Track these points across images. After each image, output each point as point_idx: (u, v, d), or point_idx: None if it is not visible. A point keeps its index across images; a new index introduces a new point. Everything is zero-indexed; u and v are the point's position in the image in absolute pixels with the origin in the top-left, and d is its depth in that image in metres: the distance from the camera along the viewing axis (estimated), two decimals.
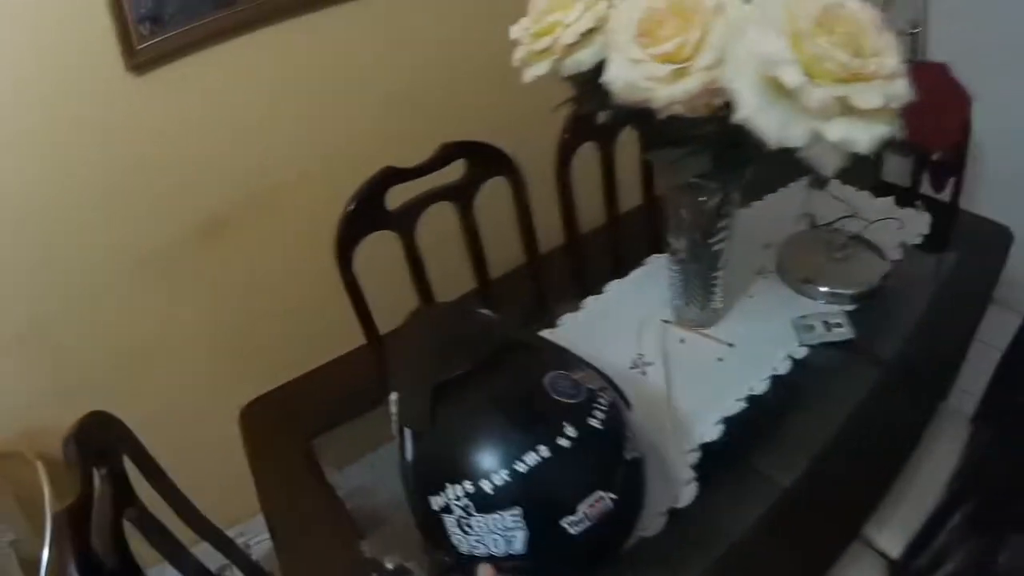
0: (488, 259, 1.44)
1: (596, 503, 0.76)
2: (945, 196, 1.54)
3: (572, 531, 0.75)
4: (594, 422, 0.79)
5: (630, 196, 1.64)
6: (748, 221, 1.48)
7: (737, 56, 0.68)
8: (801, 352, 1.16)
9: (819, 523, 0.94)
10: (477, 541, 0.76)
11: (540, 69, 0.86)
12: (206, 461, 1.54)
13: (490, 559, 0.76)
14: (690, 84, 0.71)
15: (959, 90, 1.53)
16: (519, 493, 0.74)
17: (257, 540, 1.81)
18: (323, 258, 1.29)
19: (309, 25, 1.54)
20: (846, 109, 0.63)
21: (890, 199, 1.53)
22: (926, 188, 1.59)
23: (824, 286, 1.27)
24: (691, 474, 0.97)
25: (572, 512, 0.75)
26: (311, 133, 1.66)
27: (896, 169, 1.63)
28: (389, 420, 0.91)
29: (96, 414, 0.95)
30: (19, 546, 1.47)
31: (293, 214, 1.69)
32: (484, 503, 0.74)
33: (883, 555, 1.14)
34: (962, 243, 1.44)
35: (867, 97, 0.62)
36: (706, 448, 1.01)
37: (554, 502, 0.75)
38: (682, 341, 1.21)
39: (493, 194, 1.41)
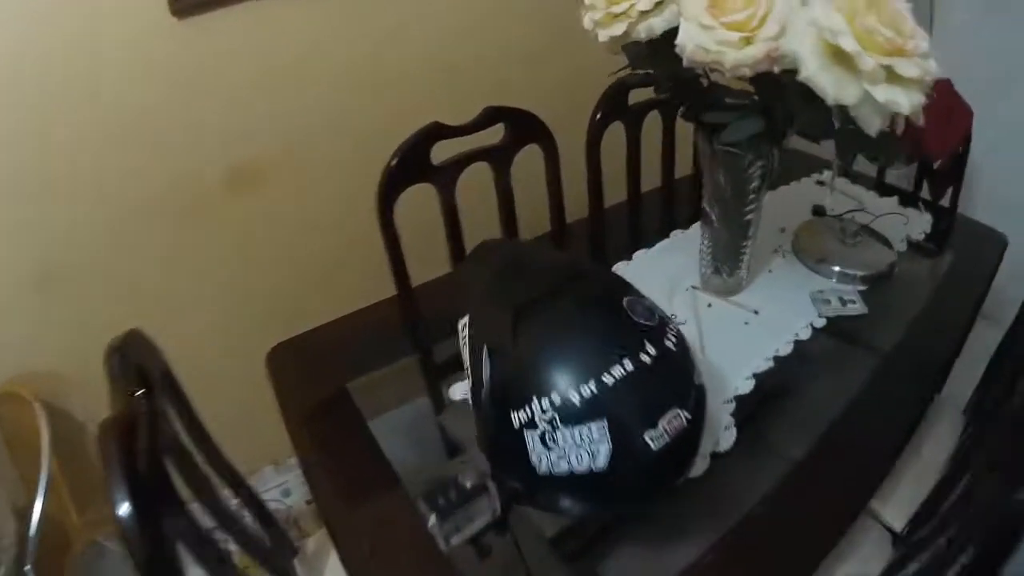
0: (519, 221, 1.66)
1: (674, 419, 0.87)
2: (944, 202, 1.82)
3: (654, 445, 0.85)
4: (669, 344, 0.92)
5: (650, 178, 1.89)
6: (764, 207, 1.75)
7: (796, 28, 0.91)
8: (820, 322, 1.39)
9: (830, 492, 1.11)
10: (559, 457, 0.85)
11: (616, 31, 1.08)
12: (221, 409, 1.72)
13: (570, 476, 0.85)
14: (756, 50, 0.94)
15: (961, 104, 1.81)
16: (606, 404, 0.84)
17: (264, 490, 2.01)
18: (355, 210, 1.52)
19: None
20: (890, 77, 0.87)
21: (894, 199, 1.81)
22: (925, 195, 1.87)
23: (837, 266, 1.51)
24: (730, 420, 1.17)
25: (654, 426, 0.85)
26: (350, 88, 1.88)
27: (898, 175, 1.93)
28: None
29: (137, 332, 1.04)
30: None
31: (327, 166, 1.90)
32: (571, 415, 0.84)
33: (888, 529, 1.37)
34: (960, 243, 1.71)
35: (908, 68, 0.86)
36: (739, 400, 1.22)
37: (638, 415, 0.85)
38: (710, 306, 1.43)
39: (528, 161, 1.63)
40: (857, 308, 1.43)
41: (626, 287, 1.04)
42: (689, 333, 1.33)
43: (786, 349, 1.33)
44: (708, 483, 1.08)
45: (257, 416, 1.52)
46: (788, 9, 0.94)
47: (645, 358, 0.89)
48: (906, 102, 0.87)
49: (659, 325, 0.96)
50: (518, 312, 0.94)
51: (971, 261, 1.63)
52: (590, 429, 0.84)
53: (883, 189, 1.85)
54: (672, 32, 1.05)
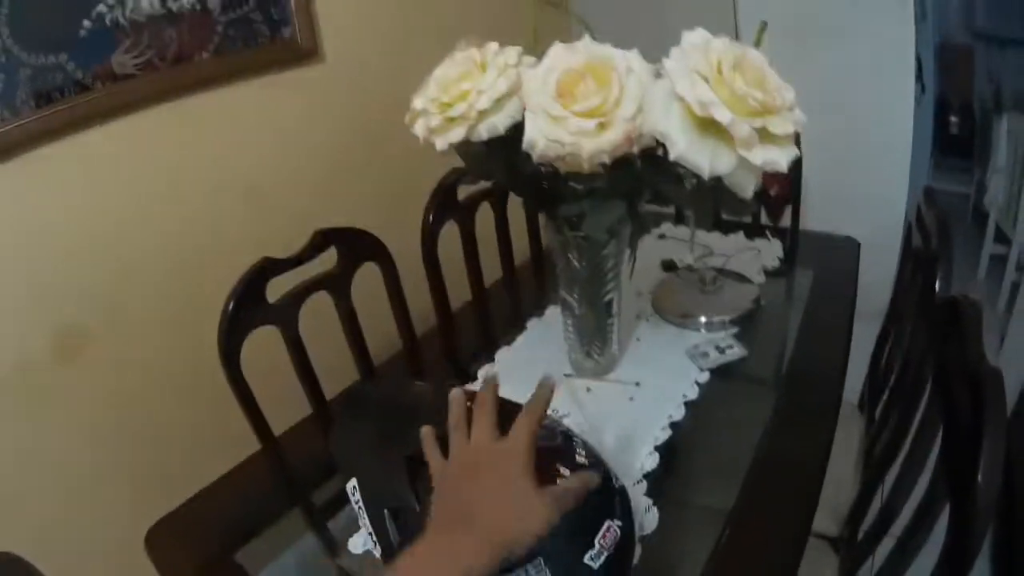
0: (371, 345, 1.50)
1: (607, 533, 0.81)
2: (785, 223, 1.84)
3: (595, 565, 0.79)
4: (580, 459, 0.87)
5: (489, 271, 1.79)
6: None
7: (655, 103, 0.84)
8: (704, 376, 1.33)
9: (772, 532, 1.04)
10: None
11: (455, 136, 0.98)
12: None
13: None
14: (615, 134, 0.87)
15: None
16: (536, 542, 0.74)
17: None
18: (203, 362, 1.30)
19: (170, 115, 1.59)
20: (764, 137, 0.81)
21: (739, 234, 1.81)
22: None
23: (703, 316, 1.47)
24: (648, 501, 1.07)
25: (592, 546, 0.80)
26: (176, 230, 1.66)
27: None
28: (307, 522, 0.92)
29: (6, 557, 0.85)
30: None
31: (164, 317, 1.66)
32: (503, 562, 0.73)
33: (822, 536, 1.33)
34: (816, 258, 1.73)
35: (782, 125, 0.80)
36: (648, 477, 1.12)
37: (572, 543, 0.79)
38: (589, 390, 1.33)
39: (368, 278, 1.49)
40: (736, 352, 1.38)
41: (515, 408, 0.93)
42: (576, 423, 1.24)
43: (678, 413, 1.26)
44: (648, 569, 0.97)
45: None
46: (642, 85, 0.87)
47: None
48: (783, 159, 0.82)
49: (564, 442, 0.89)
50: (412, 463, 0.85)
51: (831, 272, 1.65)
52: (527, 572, 0.78)
53: (725, 227, 1.85)
54: (515, 126, 0.97)
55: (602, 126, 0.87)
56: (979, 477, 0.78)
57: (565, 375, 1.36)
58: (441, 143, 1.00)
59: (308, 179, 1.94)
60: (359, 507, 0.91)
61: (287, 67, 1.80)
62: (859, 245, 1.71)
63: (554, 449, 0.85)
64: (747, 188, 0.86)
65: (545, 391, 0.83)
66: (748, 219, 1.85)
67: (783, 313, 1.54)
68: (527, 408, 0.81)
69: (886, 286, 1.69)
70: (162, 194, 1.63)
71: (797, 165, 1.77)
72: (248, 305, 1.28)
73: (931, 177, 3.49)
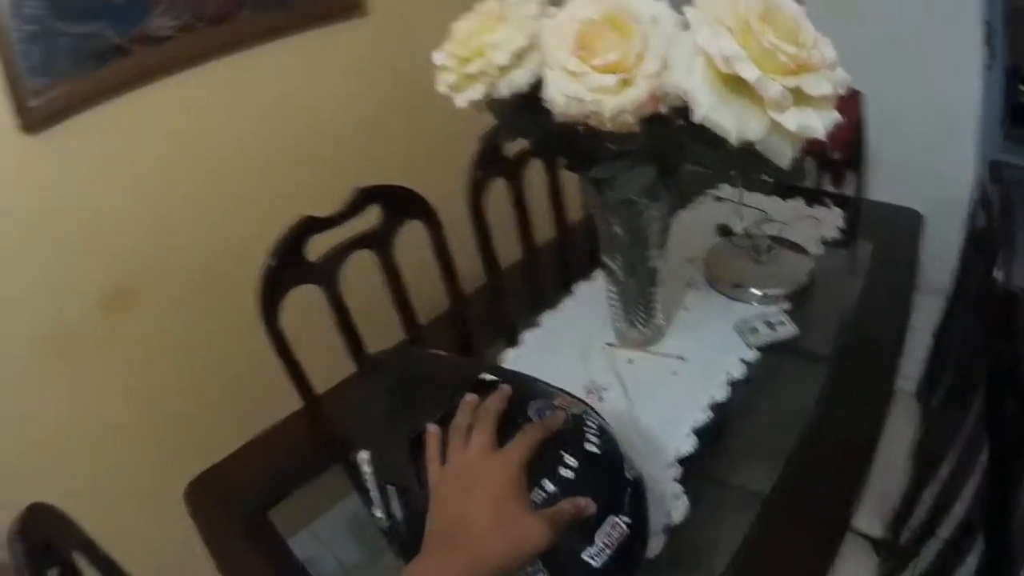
0: (415, 304, 1.46)
1: (612, 530, 0.76)
2: (849, 190, 1.70)
3: (595, 563, 0.74)
4: (590, 447, 0.80)
5: (541, 229, 1.71)
6: None
7: (681, 58, 0.75)
8: (752, 354, 1.24)
9: (809, 521, 0.97)
10: None
11: (475, 93, 0.92)
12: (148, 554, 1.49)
13: None
14: (637, 91, 0.78)
15: (848, 90, 1.71)
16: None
17: None
18: (245, 320, 1.28)
19: (210, 75, 1.57)
20: (799, 98, 0.71)
21: (799, 200, 1.67)
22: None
23: (756, 288, 1.36)
24: (678, 488, 1.00)
25: (592, 543, 0.74)
26: (217, 189, 1.66)
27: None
28: (350, 480, 0.90)
29: (38, 507, 0.88)
30: None
31: (206, 276, 1.67)
32: None
33: (865, 536, 1.23)
34: (876, 230, 1.59)
35: (819, 85, 0.70)
36: (683, 462, 1.05)
37: (571, 536, 0.73)
38: (631, 362, 1.26)
39: (413, 237, 1.44)
40: (788, 330, 1.28)
41: (531, 387, 0.89)
42: (614, 398, 1.18)
43: (721, 394, 1.17)
44: (673, 559, 0.93)
45: (181, 552, 1.28)
46: (667, 38, 0.78)
47: (567, 473, 0.76)
48: (820, 124, 0.72)
49: (575, 427, 0.82)
50: (415, 443, 0.80)
51: (891, 245, 1.52)
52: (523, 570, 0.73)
53: (784, 192, 1.71)
54: (540, 83, 0.89)
55: (624, 83, 0.79)
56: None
57: (608, 344, 1.30)
58: (461, 100, 0.94)
59: (351, 136, 1.89)
60: (368, 480, 0.87)
61: (330, 22, 1.75)
62: (922, 218, 1.57)
63: (559, 433, 0.79)
64: (783, 155, 0.76)
65: (556, 420, 0.80)
66: (811, 184, 1.72)
67: (838, 289, 1.42)
68: (530, 426, 0.78)
69: (950, 265, 1.53)
70: (203, 155, 1.62)
71: (860, 130, 1.65)
72: (288, 263, 1.26)
73: (1002, 149, 3.22)
